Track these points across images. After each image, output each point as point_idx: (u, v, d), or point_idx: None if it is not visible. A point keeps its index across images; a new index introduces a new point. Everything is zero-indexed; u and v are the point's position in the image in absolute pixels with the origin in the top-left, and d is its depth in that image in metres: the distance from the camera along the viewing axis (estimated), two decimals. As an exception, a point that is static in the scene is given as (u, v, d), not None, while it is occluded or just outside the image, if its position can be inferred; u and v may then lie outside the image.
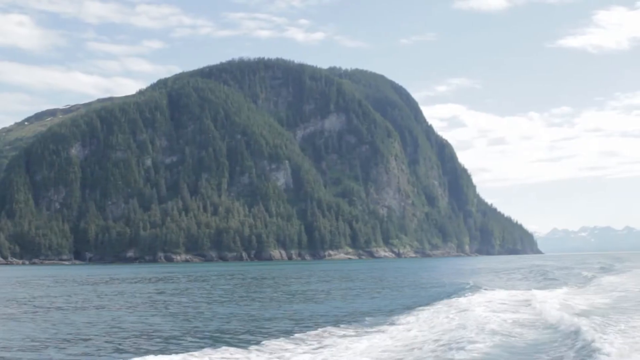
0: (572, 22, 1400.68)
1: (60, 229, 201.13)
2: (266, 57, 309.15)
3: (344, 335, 17.95)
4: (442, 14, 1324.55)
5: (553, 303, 23.69)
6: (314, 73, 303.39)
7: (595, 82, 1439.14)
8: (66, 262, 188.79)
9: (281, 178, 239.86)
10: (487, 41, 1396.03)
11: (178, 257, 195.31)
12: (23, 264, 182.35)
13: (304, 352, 15.20)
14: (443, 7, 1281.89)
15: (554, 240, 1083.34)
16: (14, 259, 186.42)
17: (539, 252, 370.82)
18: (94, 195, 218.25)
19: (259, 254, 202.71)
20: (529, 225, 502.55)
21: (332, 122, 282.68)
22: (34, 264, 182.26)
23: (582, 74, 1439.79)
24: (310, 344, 16.42)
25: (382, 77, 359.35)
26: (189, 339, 18.66)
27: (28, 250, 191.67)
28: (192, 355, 14.28)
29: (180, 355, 14.13)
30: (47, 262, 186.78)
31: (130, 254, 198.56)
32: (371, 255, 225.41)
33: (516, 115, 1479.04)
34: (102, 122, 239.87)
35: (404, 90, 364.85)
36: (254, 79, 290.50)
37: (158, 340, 18.70)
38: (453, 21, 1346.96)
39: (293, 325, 21.14)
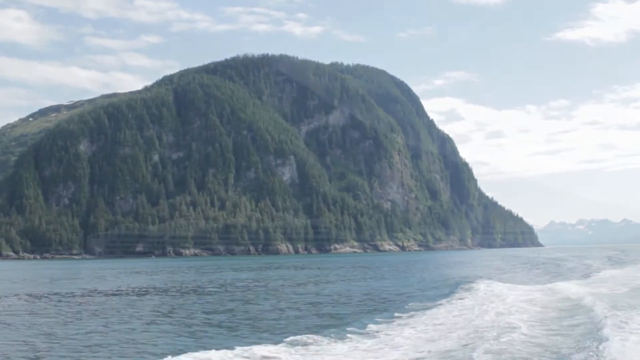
0: (570, 15, 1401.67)
1: (70, 224, 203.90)
2: (270, 54, 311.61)
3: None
4: (439, 7, 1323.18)
5: (578, 291, 26.25)
6: (317, 69, 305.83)
7: (593, 75, 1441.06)
8: (76, 257, 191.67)
9: (287, 173, 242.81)
10: (484, 34, 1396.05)
11: (187, 252, 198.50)
12: (34, 258, 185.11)
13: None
14: (440, 0, 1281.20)
15: (551, 234, 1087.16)
16: (25, 254, 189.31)
17: (539, 245, 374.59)
18: (102, 190, 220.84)
19: (266, 248, 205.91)
20: (526, 219, 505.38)
21: (336, 118, 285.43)
22: (45, 258, 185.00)
23: (580, 66, 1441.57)
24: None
25: (383, 72, 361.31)
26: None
27: (39, 245, 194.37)
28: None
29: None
30: (58, 256, 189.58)
31: (139, 248, 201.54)
32: (376, 248, 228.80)
33: (514, 108, 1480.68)
34: (109, 118, 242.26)
35: (405, 85, 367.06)
36: (258, 75, 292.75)
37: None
38: (450, 14, 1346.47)
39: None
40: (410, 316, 21.27)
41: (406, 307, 24.29)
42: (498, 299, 24.84)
